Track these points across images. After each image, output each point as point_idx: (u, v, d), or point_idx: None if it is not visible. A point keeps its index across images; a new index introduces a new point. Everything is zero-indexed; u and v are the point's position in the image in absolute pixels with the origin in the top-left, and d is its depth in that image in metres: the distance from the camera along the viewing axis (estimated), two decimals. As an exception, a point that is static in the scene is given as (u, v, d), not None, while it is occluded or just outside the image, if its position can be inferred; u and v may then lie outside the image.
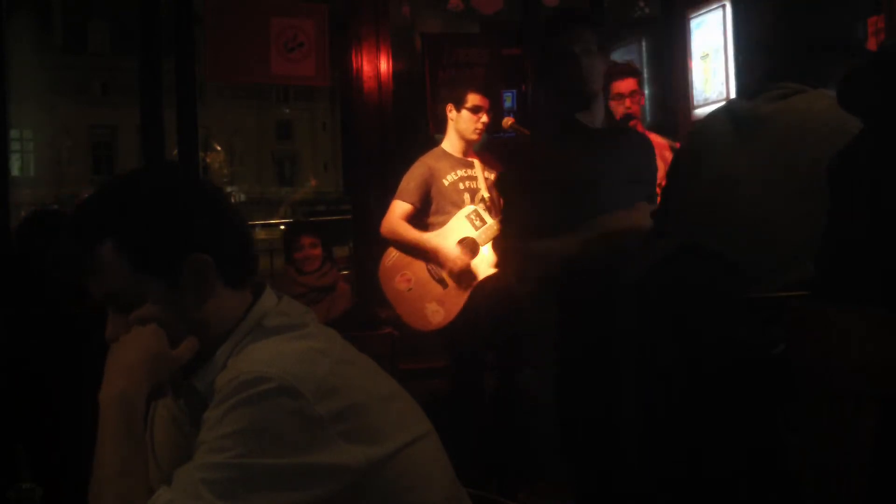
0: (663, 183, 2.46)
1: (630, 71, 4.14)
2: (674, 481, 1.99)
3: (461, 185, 3.85)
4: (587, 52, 2.69)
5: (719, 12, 4.39)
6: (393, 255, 3.88)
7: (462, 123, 3.87)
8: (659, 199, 2.53)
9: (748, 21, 2.47)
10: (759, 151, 2.05)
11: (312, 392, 1.16)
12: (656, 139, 3.94)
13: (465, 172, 3.88)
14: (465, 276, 3.73)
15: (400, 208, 3.84)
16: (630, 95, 3.98)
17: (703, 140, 2.25)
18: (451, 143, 3.93)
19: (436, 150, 3.98)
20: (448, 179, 3.84)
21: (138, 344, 1.24)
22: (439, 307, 3.78)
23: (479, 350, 3.87)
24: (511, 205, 2.93)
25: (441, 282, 3.79)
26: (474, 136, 3.89)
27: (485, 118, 3.88)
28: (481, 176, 3.88)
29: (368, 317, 4.10)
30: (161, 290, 1.24)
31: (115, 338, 1.26)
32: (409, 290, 3.83)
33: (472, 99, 3.87)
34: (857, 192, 1.64)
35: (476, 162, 3.91)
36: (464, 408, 3.77)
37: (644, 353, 2.09)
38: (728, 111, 2.21)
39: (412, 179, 3.86)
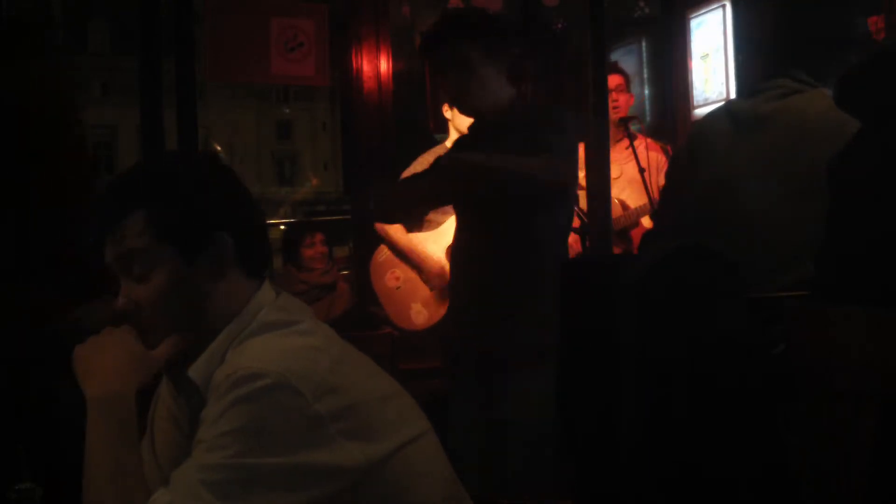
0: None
1: (614, 69, 4.21)
2: (673, 481, 1.99)
3: None
4: (438, 71, 2.54)
5: (719, 12, 4.37)
6: (385, 251, 3.87)
7: (458, 122, 3.86)
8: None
9: (748, 21, 2.47)
10: (758, 151, 2.05)
11: (312, 390, 1.15)
12: (650, 144, 3.96)
13: None
14: (445, 291, 3.72)
15: None
16: (615, 89, 4.02)
17: (702, 140, 2.25)
18: (452, 141, 3.92)
19: (438, 147, 3.97)
20: None
21: (117, 345, 1.24)
22: (423, 308, 3.76)
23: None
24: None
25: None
26: None
27: None
28: None
29: (368, 317, 4.09)
30: (177, 264, 1.25)
31: (126, 307, 1.26)
32: (398, 288, 3.82)
33: None
34: (857, 191, 1.64)
35: None
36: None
37: (644, 353, 2.08)
38: (728, 111, 2.21)
39: None
